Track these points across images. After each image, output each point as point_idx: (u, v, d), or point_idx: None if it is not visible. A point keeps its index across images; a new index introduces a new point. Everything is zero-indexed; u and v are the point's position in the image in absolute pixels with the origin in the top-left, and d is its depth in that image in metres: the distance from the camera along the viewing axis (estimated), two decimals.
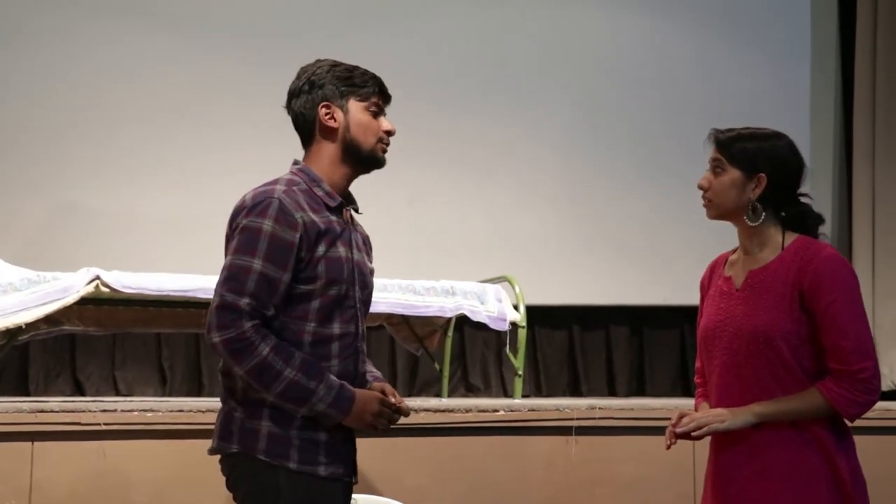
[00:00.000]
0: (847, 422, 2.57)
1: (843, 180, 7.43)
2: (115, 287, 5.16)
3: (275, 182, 2.54)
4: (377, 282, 5.55)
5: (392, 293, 5.54)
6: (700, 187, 2.62)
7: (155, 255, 6.56)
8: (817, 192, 6.69)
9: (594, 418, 4.58)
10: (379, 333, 7.04)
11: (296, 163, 2.63)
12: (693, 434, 2.55)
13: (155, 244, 6.92)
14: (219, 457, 2.55)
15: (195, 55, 7.28)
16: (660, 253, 7.40)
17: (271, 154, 6.91)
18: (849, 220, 7.30)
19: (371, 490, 3.75)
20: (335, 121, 2.58)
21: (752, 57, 7.71)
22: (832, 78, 7.61)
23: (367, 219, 2.74)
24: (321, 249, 2.48)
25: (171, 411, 4.29)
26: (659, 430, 4.65)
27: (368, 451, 4.21)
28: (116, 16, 7.26)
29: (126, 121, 7.16)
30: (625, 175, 7.59)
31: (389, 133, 2.62)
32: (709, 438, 2.64)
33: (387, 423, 2.53)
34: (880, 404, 4.85)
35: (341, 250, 2.52)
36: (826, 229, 2.69)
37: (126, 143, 7.14)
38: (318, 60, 2.65)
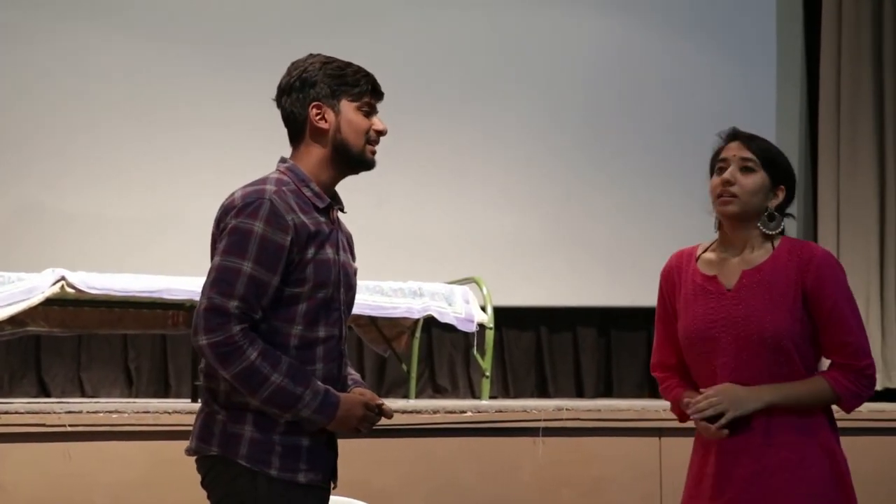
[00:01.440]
0: (844, 413, 2.61)
1: (809, 182, 7.50)
2: (81, 288, 5.12)
3: (264, 181, 2.48)
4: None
5: (360, 294, 5.47)
6: (726, 182, 2.58)
7: (120, 257, 6.52)
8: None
9: (561, 419, 4.59)
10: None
11: (283, 160, 2.55)
12: (714, 424, 2.51)
13: (121, 245, 6.88)
14: (193, 457, 2.53)
15: (161, 57, 7.23)
16: (627, 254, 7.42)
17: (237, 155, 6.92)
18: (814, 221, 7.37)
19: (338, 491, 3.76)
20: (326, 122, 2.51)
21: (719, 60, 7.75)
22: (797, 82, 7.67)
23: None
24: (311, 252, 2.44)
25: (137, 412, 4.26)
26: (626, 432, 4.69)
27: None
28: (81, 18, 7.20)
29: (92, 122, 7.10)
30: (592, 176, 7.61)
31: (381, 133, 2.57)
32: (681, 429, 2.67)
33: (370, 426, 2.51)
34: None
35: (329, 252, 2.48)
36: (792, 230, 2.75)
37: (92, 144, 7.09)
38: (311, 56, 2.57)
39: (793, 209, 2.74)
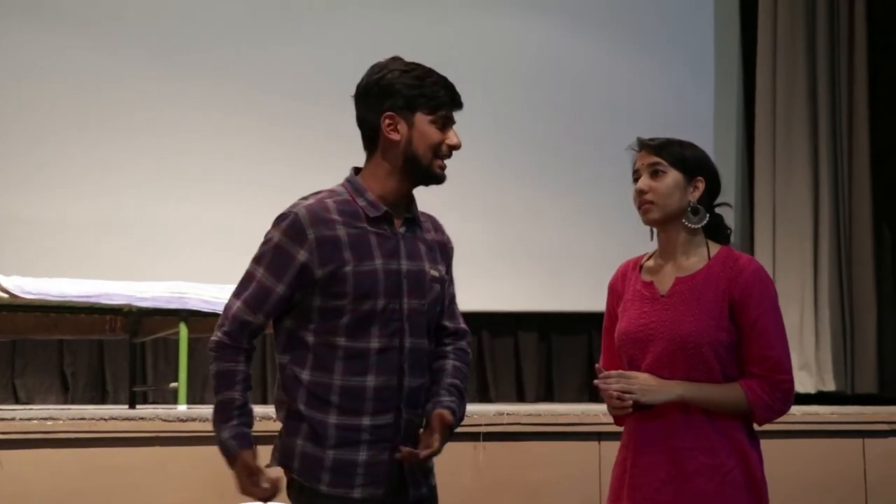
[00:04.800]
0: (755, 425, 2.62)
1: (746, 186, 7.59)
2: (15, 293, 5.06)
3: (315, 194, 2.51)
4: None
5: None
6: (640, 191, 2.62)
7: (55, 261, 6.45)
8: (720, 198, 6.81)
9: (502, 424, 4.60)
10: None
11: (354, 170, 2.56)
12: (616, 399, 2.54)
13: (56, 250, 6.80)
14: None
15: (108, 63, 7.17)
16: (568, 259, 7.47)
17: (178, 161, 6.85)
18: (751, 225, 7.46)
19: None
20: (398, 133, 2.49)
21: (659, 66, 7.83)
22: (734, 88, 7.78)
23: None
24: (350, 264, 2.42)
25: (73, 419, 4.19)
26: (566, 436, 4.71)
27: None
28: (26, 22, 7.11)
29: (31, 126, 7.03)
30: (533, 181, 7.64)
31: (453, 148, 2.56)
32: (620, 433, 2.68)
33: (255, 495, 2.42)
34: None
35: (377, 263, 2.44)
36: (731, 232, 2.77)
37: (29, 148, 7.02)
38: (392, 60, 2.53)
39: (729, 211, 2.76)
